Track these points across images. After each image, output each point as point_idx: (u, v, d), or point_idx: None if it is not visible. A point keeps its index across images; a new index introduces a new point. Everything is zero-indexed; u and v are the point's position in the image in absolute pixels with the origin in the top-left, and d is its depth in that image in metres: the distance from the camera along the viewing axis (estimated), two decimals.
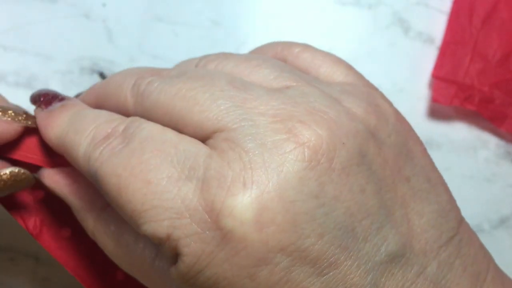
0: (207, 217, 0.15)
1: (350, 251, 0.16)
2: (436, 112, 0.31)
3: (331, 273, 0.15)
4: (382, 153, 0.17)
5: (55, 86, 0.30)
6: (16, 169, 0.19)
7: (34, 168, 0.20)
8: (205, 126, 0.16)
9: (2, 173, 0.19)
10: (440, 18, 0.32)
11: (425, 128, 0.31)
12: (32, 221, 0.22)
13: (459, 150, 0.30)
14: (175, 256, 0.16)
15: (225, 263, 0.15)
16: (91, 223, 0.19)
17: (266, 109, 0.16)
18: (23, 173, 0.19)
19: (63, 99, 0.20)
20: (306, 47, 0.21)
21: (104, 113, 0.19)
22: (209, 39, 0.31)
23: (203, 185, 0.15)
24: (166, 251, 0.16)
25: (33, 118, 0.20)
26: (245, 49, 0.31)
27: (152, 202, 0.16)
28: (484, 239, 0.29)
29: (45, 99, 0.20)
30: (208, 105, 0.17)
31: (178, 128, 0.17)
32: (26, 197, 0.22)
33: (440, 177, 0.19)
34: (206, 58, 0.20)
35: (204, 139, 0.17)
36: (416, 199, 0.18)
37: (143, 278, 0.19)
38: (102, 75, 0.30)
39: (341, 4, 0.32)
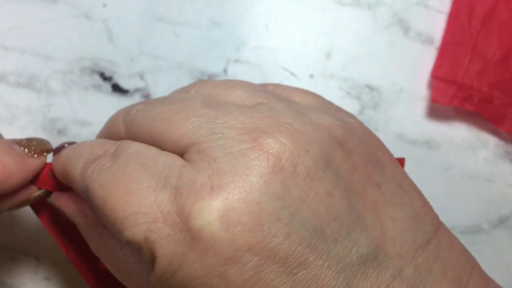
0: (178, 220, 0.16)
1: (320, 251, 0.16)
2: (436, 112, 0.31)
3: (301, 273, 0.16)
4: (350, 160, 0.18)
5: (56, 86, 0.30)
6: (41, 191, 0.22)
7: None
8: (180, 142, 0.18)
9: (36, 194, 0.22)
10: (440, 18, 0.32)
11: (424, 128, 0.31)
12: (73, 252, 0.24)
13: (458, 150, 0.31)
14: (153, 259, 0.17)
15: (195, 263, 0.16)
16: (95, 240, 0.21)
17: (235, 123, 0.18)
18: (45, 193, 0.23)
19: (74, 143, 0.22)
20: (278, 84, 0.23)
21: (99, 140, 0.21)
22: (209, 39, 0.31)
23: (176, 191, 0.17)
24: (145, 255, 0.17)
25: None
26: (245, 49, 0.31)
27: (132, 209, 0.17)
28: (484, 239, 0.30)
29: (59, 147, 0.22)
30: (182, 123, 0.18)
31: (160, 146, 0.19)
32: (74, 235, 0.24)
33: (413, 184, 0.20)
34: (189, 86, 0.22)
35: (181, 153, 0.18)
36: (388, 204, 0.18)
37: None
38: (103, 76, 0.30)
39: (341, 4, 0.32)
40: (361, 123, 0.20)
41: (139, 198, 0.17)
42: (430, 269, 0.18)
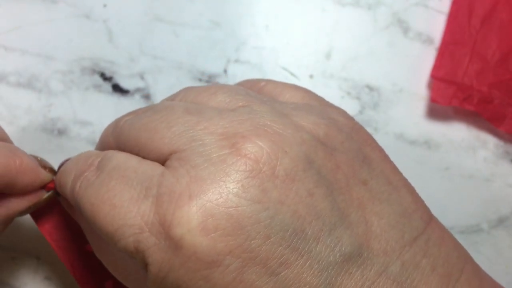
0: (161, 229, 0.17)
1: (301, 251, 0.17)
2: (435, 112, 0.31)
3: (283, 273, 0.16)
4: (333, 158, 0.18)
5: (56, 86, 0.30)
6: (51, 193, 0.23)
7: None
8: (163, 150, 0.18)
9: (46, 196, 0.23)
10: (439, 18, 0.32)
11: (424, 128, 0.31)
12: (80, 270, 0.24)
13: (458, 150, 0.31)
14: (146, 266, 0.17)
15: (181, 269, 0.17)
16: (96, 242, 0.21)
17: (215, 129, 0.18)
18: (53, 194, 0.23)
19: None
20: (270, 81, 0.23)
21: (84, 153, 0.21)
22: (209, 39, 0.31)
23: (157, 201, 0.17)
24: (139, 263, 0.18)
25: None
26: (245, 49, 0.31)
27: (118, 222, 0.17)
28: (483, 239, 0.30)
29: (60, 166, 0.23)
30: (165, 132, 0.19)
31: (144, 155, 0.19)
32: (79, 251, 0.24)
33: (403, 180, 0.20)
34: (174, 94, 0.22)
35: (163, 162, 0.18)
36: (374, 201, 0.18)
37: None
38: (103, 76, 0.30)
39: (341, 4, 0.32)
40: (349, 120, 0.21)
41: (123, 211, 0.17)
42: (418, 265, 0.18)
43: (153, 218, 0.17)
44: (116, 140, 0.21)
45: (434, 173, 0.30)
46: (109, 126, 0.22)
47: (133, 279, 0.20)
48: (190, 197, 0.17)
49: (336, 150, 0.19)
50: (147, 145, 0.19)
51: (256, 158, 0.17)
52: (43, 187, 0.23)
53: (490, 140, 0.31)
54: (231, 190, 0.17)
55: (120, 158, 0.19)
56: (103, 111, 0.30)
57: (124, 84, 0.30)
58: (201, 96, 0.21)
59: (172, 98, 0.22)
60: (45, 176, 0.22)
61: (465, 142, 0.31)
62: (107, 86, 0.30)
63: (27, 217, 0.24)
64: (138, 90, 0.30)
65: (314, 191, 0.17)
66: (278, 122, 0.18)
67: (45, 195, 0.23)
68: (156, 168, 0.18)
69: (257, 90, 0.23)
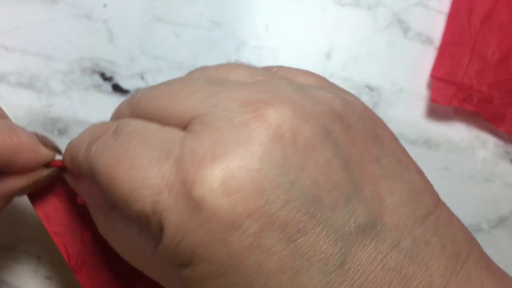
0: (182, 189, 0.17)
1: (318, 219, 0.17)
2: (435, 112, 0.31)
3: (300, 240, 0.16)
4: (349, 133, 0.18)
5: (56, 86, 0.30)
6: (53, 170, 0.23)
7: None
8: (184, 116, 0.18)
9: (47, 173, 0.23)
10: (439, 18, 0.32)
11: (424, 128, 0.31)
12: (75, 259, 0.24)
13: (458, 150, 0.31)
14: (161, 230, 0.17)
15: (199, 230, 0.16)
16: (102, 221, 0.21)
17: (237, 97, 0.18)
18: (56, 171, 0.23)
19: None
20: (282, 66, 0.23)
21: (100, 122, 0.21)
22: (209, 39, 0.31)
23: (179, 162, 0.17)
24: (154, 227, 0.17)
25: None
26: (245, 49, 0.31)
27: (137, 183, 0.17)
28: (483, 239, 0.30)
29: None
30: (186, 99, 0.19)
31: (164, 122, 0.19)
32: (75, 238, 0.24)
33: (412, 162, 0.20)
34: (190, 72, 0.22)
35: (184, 127, 0.18)
36: (387, 177, 0.18)
37: (147, 269, 0.20)
38: (103, 76, 0.30)
39: (341, 5, 0.32)
40: (362, 102, 0.21)
41: (143, 172, 0.17)
42: (429, 242, 0.18)
43: (173, 178, 0.17)
44: (132, 111, 0.20)
45: (434, 173, 0.30)
46: (124, 101, 0.22)
47: (140, 257, 0.20)
48: (213, 158, 0.16)
49: (351, 126, 0.19)
50: (166, 112, 0.19)
51: (278, 123, 0.17)
52: (46, 165, 0.22)
53: (490, 140, 0.31)
54: (253, 153, 0.16)
55: (139, 122, 0.19)
56: (103, 111, 0.30)
57: (124, 84, 0.31)
58: (220, 71, 0.21)
59: (189, 74, 0.22)
60: (46, 153, 0.22)
61: (465, 142, 0.31)
62: (107, 86, 0.30)
63: (28, 217, 0.24)
64: (138, 90, 0.31)
65: (332, 162, 0.17)
66: (298, 94, 0.18)
67: (45, 172, 0.22)
68: (178, 132, 0.18)
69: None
